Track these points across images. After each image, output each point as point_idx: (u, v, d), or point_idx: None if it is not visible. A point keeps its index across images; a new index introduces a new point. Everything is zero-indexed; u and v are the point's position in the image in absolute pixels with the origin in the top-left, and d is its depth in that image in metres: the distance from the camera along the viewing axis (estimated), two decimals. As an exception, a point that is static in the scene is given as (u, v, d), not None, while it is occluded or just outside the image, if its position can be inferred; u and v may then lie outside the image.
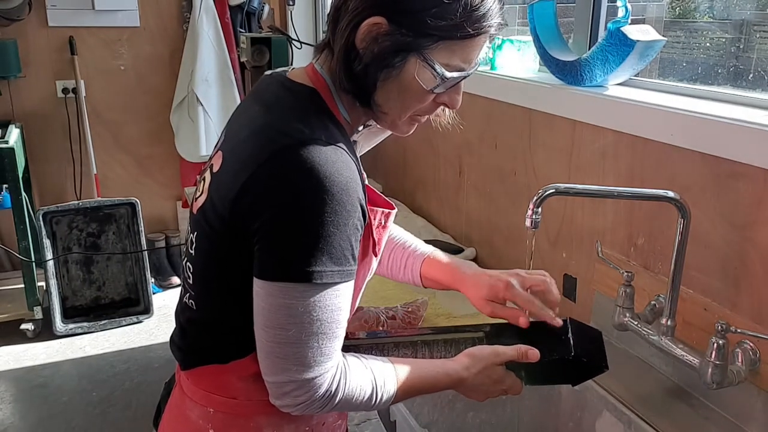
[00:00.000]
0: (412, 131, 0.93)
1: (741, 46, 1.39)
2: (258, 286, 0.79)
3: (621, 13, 1.32)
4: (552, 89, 1.49)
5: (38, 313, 3.00)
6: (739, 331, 1.03)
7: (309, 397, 0.81)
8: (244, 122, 0.88)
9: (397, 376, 0.89)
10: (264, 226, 0.77)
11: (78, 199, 3.42)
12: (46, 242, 2.98)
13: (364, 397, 0.85)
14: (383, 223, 0.92)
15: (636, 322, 1.20)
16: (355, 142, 0.93)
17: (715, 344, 1.03)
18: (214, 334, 0.90)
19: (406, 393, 0.90)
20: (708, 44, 1.50)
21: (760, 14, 1.38)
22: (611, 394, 1.19)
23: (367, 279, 0.96)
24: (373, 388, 0.86)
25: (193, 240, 0.88)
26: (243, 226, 0.79)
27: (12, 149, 2.79)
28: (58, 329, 2.97)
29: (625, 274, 1.22)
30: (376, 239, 0.90)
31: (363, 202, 0.81)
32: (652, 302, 1.22)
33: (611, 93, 1.36)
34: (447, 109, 0.93)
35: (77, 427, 2.38)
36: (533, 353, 0.95)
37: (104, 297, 3.22)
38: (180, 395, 0.95)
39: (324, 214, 0.75)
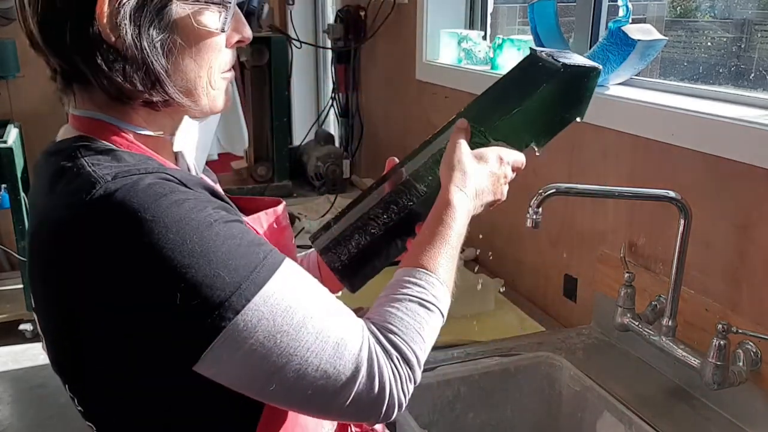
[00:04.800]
0: (226, 98, 0.76)
1: (742, 46, 1.38)
2: (206, 365, 0.61)
3: (622, 12, 1.32)
4: (552, 89, 1.49)
5: (37, 313, 3.00)
6: (740, 331, 1.03)
7: (378, 386, 0.65)
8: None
9: (419, 265, 0.75)
10: (135, 310, 0.60)
11: (77, 199, 3.41)
12: (45, 242, 2.98)
13: (423, 318, 0.71)
14: (276, 226, 0.80)
15: (637, 323, 1.20)
16: (179, 152, 0.77)
17: (717, 345, 1.03)
18: None
19: (444, 267, 0.76)
20: (709, 44, 1.49)
21: (761, 13, 1.37)
22: (612, 394, 1.19)
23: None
24: (417, 300, 0.71)
25: (72, 395, 0.72)
26: (95, 324, 0.63)
27: (11, 149, 2.78)
28: (57, 329, 2.96)
29: (626, 274, 1.22)
30: (280, 242, 0.76)
31: (210, 195, 0.67)
32: (653, 303, 1.22)
33: (612, 93, 1.36)
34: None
35: (76, 428, 2.37)
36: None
37: (103, 297, 3.22)
38: None
39: (172, 246, 0.59)
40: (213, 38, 0.69)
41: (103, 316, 0.62)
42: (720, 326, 1.03)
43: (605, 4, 1.52)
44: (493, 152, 0.85)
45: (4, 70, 3.11)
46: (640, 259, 1.30)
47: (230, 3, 0.69)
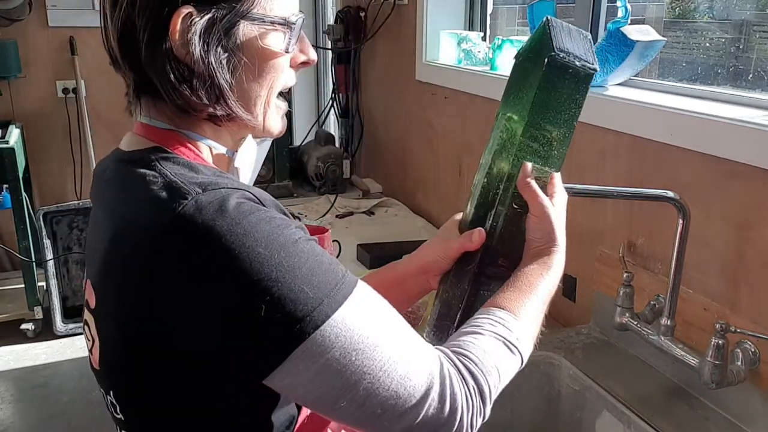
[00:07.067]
0: (284, 123, 0.80)
1: (741, 47, 1.39)
2: (281, 376, 0.62)
3: (620, 13, 1.32)
4: (552, 89, 1.49)
5: (38, 312, 3.00)
6: (738, 330, 1.03)
7: (449, 410, 0.65)
8: (97, 236, 0.73)
9: (509, 310, 0.74)
10: (219, 318, 0.61)
11: (78, 199, 3.41)
12: (47, 242, 2.98)
13: (503, 356, 0.71)
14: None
15: (636, 322, 1.20)
16: (236, 168, 0.78)
17: (715, 344, 1.03)
18: None
19: (531, 319, 0.76)
20: (708, 44, 1.50)
21: (759, 14, 1.38)
22: (611, 394, 1.19)
23: None
24: (502, 338, 0.71)
25: (114, 402, 0.73)
26: (175, 336, 0.64)
27: (12, 149, 2.79)
28: (58, 329, 2.96)
29: (625, 274, 1.22)
30: None
31: (286, 213, 0.70)
32: (652, 302, 1.22)
33: (611, 93, 1.37)
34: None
35: (78, 426, 2.38)
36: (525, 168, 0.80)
37: (104, 297, 3.22)
38: None
39: (261, 260, 0.60)
40: (277, 59, 0.72)
41: (184, 323, 0.63)
42: (718, 326, 1.03)
43: (604, 4, 1.52)
44: (564, 208, 0.84)
45: (5, 71, 3.12)
46: (639, 259, 1.30)
47: (294, 25, 0.72)
